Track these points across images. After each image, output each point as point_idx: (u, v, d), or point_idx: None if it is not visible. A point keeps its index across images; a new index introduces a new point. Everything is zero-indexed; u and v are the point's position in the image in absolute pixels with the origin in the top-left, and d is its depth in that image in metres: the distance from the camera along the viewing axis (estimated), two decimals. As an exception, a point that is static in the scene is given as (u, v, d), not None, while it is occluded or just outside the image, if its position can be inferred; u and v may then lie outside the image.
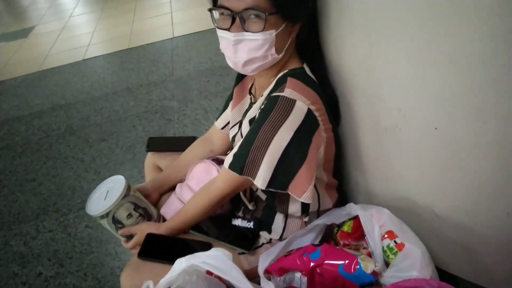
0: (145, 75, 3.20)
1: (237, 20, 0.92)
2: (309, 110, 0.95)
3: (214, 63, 3.19)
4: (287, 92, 0.95)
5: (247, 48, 0.95)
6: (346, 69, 1.05)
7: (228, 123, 1.31)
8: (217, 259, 0.91)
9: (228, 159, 1.01)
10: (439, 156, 0.88)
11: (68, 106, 3.02)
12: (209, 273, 0.95)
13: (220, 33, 0.97)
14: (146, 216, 1.25)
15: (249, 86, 1.20)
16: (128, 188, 1.20)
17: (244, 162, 0.97)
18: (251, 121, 1.08)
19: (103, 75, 3.44)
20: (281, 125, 0.93)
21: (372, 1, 0.85)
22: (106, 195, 1.19)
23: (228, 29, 0.94)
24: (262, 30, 0.91)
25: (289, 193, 0.98)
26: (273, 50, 0.95)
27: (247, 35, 0.93)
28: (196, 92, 2.86)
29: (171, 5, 4.54)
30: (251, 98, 1.18)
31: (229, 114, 1.29)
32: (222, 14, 0.95)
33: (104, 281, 1.68)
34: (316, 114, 0.97)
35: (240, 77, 1.25)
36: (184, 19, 4.18)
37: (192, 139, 1.53)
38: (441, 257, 1.02)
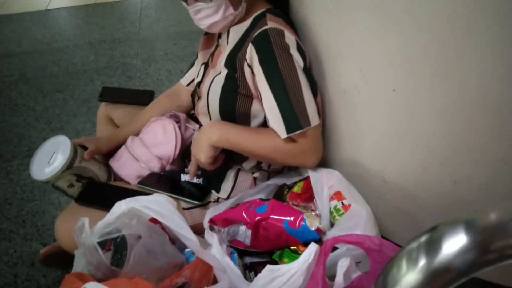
0: (110, 32, 3.07)
1: None
2: (297, 42, 0.97)
3: (184, 27, 3.09)
4: (271, 24, 0.96)
5: (205, 16, 1.01)
6: (312, 22, 1.03)
7: (193, 80, 1.27)
8: (159, 204, 0.87)
9: (279, 126, 0.93)
10: (394, 120, 0.87)
11: (24, 55, 2.86)
12: (153, 221, 0.92)
13: (184, 5, 1.04)
14: None
15: (217, 34, 1.17)
16: (74, 155, 1.13)
17: (297, 116, 0.92)
18: (231, 54, 1.04)
19: (65, 27, 3.28)
20: (296, 66, 0.94)
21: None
22: (51, 157, 1.13)
23: (186, 2, 1.01)
24: None
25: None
26: (230, 10, 1.00)
27: (201, 5, 0.99)
28: (162, 53, 2.77)
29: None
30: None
31: (195, 72, 1.26)
32: None
33: (44, 229, 1.61)
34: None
35: None
36: (159, -21, 4.03)
37: (149, 93, 1.47)
38: (387, 226, 1.02)
